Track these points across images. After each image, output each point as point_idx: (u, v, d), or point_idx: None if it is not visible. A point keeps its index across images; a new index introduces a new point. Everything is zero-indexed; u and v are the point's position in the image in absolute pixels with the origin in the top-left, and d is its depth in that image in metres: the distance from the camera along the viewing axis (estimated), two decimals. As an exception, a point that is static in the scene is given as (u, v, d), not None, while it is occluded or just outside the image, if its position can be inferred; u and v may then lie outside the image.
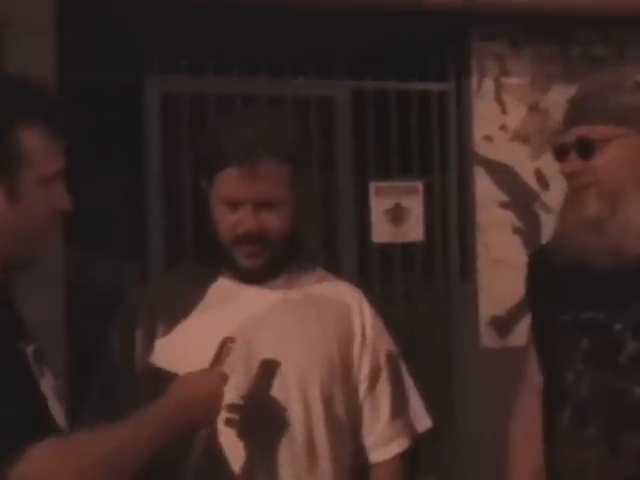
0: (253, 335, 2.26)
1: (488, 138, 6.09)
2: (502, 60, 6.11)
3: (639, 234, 2.13)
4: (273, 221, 2.26)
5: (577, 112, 2.22)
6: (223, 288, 2.34)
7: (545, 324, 2.32)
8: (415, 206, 6.02)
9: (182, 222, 5.45)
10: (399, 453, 2.40)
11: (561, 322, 2.23)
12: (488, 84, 6.10)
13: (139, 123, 5.54)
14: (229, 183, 2.24)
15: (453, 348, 6.08)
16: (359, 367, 2.36)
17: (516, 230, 6.12)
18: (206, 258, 2.43)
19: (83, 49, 4.90)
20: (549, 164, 6.12)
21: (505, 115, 6.14)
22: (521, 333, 5.91)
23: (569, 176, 2.21)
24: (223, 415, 2.16)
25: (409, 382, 2.47)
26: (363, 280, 5.10)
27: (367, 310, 2.41)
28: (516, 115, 6.15)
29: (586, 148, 2.17)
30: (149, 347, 2.30)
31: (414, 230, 6.03)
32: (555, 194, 6.10)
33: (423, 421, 2.48)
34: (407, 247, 6.03)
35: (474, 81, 6.09)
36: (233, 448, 2.22)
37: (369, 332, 2.38)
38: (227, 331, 2.23)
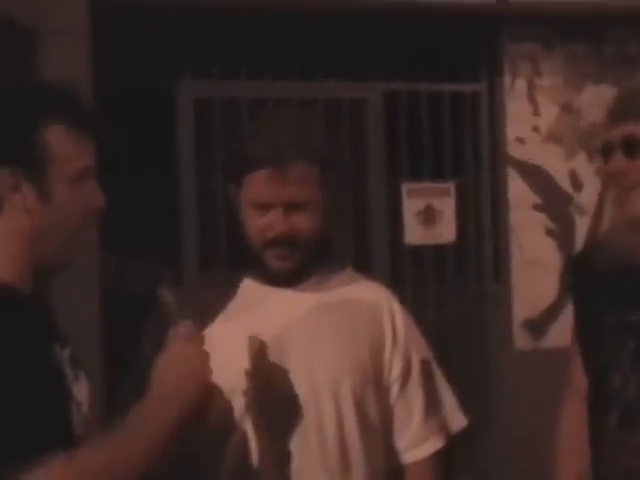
0: (284, 340, 2.24)
1: (520, 140, 6.07)
2: (534, 60, 6.09)
3: None
4: (303, 223, 2.24)
5: (622, 110, 2.18)
6: (251, 291, 2.33)
7: (590, 327, 2.30)
8: (447, 207, 6.01)
9: (215, 226, 5.47)
10: (433, 453, 2.38)
11: (607, 324, 2.22)
12: (520, 85, 6.08)
13: (172, 128, 5.57)
14: (258, 186, 2.22)
15: (486, 350, 6.06)
16: (390, 369, 2.34)
17: (549, 232, 6.08)
18: (236, 261, 2.42)
19: (118, 56, 4.93)
20: (583, 165, 6.13)
21: (538, 116, 6.11)
22: (555, 335, 5.92)
23: (615, 175, 2.19)
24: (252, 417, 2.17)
25: (442, 381, 2.46)
26: (395, 282, 5.09)
27: (398, 311, 2.40)
28: (549, 116, 6.12)
29: (632, 147, 2.14)
30: None
31: (446, 231, 6.01)
32: (589, 196, 6.11)
33: (458, 420, 2.45)
34: (439, 249, 6.02)
35: (506, 82, 6.07)
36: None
37: (400, 332, 2.36)
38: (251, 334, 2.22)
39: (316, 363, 2.25)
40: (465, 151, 6.12)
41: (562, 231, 6.09)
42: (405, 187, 5.96)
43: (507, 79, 6.07)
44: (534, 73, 6.10)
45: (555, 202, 6.11)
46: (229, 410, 2.20)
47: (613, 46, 6.18)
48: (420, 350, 2.42)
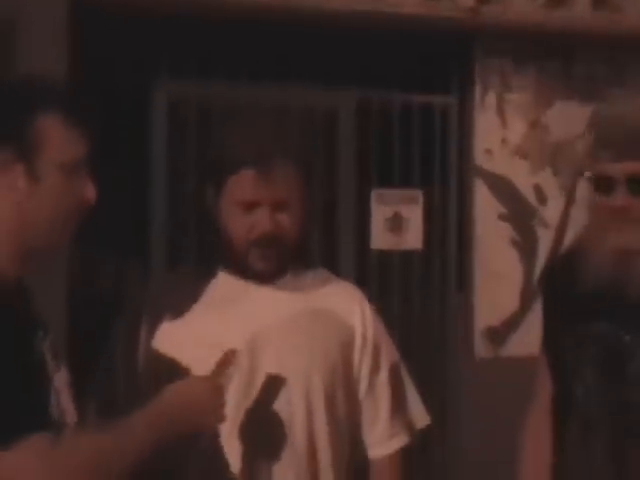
0: (260, 337, 2.26)
1: (489, 151, 6.10)
2: (505, 76, 6.12)
3: None
4: (287, 222, 2.27)
5: (626, 147, 2.15)
6: (229, 285, 2.34)
7: (557, 337, 2.31)
8: (415, 215, 6.03)
9: (184, 224, 5.46)
10: (399, 449, 2.42)
11: (573, 335, 2.23)
12: (490, 98, 6.11)
13: (147, 127, 5.57)
14: (245, 186, 2.23)
15: (447, 357, 6.08)
16: (359, 367, 2.37)
17: (514, 243, 6.12)
18: (208, 259, 2.43)
19: (96, 54, 4.91)
20: (548, 180, 6.18)
21: (506, 129, 6.14)
22: (515, 344, 5.96)
23: (617, 210, 2.17)
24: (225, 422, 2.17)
25: (408, 380, 2.48)
26: (360, 286, 5.08)
27: (368, 312, 2.43)
28: (517, 130, 6.16)
29: (638, 184, 2.14)
30: (152, 339, 2.31)
31: (413, 238, 6.03)
32: (553, 210, 6.15)
33: (422, 418, 2.48)
34: (405, 255, 6.04)
35: (477, 95, 6.10)
36: (233, 452, 2.23)
37: (370, 333, 2.39)
38: (230, 331, 2.25)
39: (289, 360, 2.27)
40: (434, 160, 6.13)
41: (525, 243, 6.13)
42: (374, 193, 5.97)
43: (477, 92, 6.10)
44: (504, 88, 6.13)
45: (520, 214, 6.14)
46: None
47: (582, 66, 6.22)
48: (388, 350, 2.45)
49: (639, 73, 6.24)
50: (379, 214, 5.98)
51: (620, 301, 2.19)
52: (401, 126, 6.03)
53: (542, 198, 6.19)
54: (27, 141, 1.94)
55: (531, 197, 6.18)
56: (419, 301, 6.02)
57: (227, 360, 2.10)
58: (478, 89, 6.10)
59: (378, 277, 5.74)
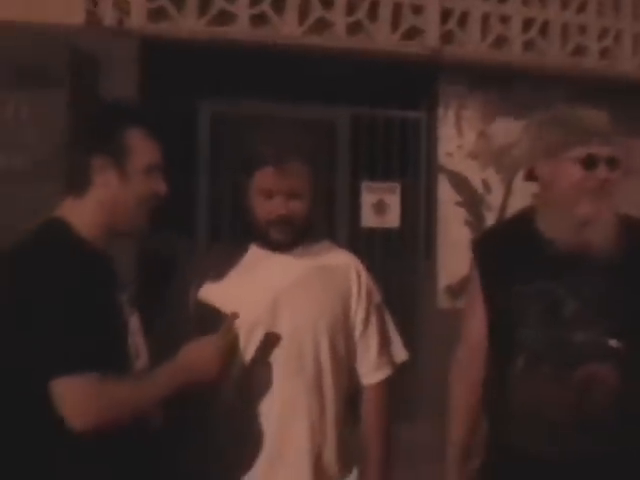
0: (279, 293, 2.24)
1: (449, 154, 6.09)
2: (461, 98, 6.11)
3: (610, 231, 2.13)
4: (298, 208, 2.24)
5: (608, 135, 2.15)
6: (256, 254, 2.32)
7: (498, 293, 2.22)
8: (394, 201, 6.00)
9: (223, 209, 5.43)
10: (384, 378, 2.39)
11: (514, 291, 2.17)
12: (450, 115, 6.09)
13: (195, 136, 5.57)
14: (266, 179, 2.22)
15: (417, 308, 6.07)
16: (355, 316, 2.34)
17: (467, 222, 6.10)
18: (242, 234, 2.39)
19: (157, 82, 4.89)
20: (492, 175, 6.17)
21: (461, 138, 6.12)
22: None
23: (598, 183, 2.13)
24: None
25: (391, 324, 2.45)
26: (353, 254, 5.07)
27: (362, 270, 2.39)
28: (469, 138, 6.14)
29: (614, 164, 2.13)
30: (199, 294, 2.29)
31: (392, 219, 6.01)
32: (495, 197, 6.14)
33: (402, 354, 2.45)
34: (386, 231, 6.01)
35: (440, 112, 6.08)
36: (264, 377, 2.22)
37: (363, 287, 2.36)
38: (255, 289, 2.24)
39: (300, 310, 2.25)
40: (408, 161, 6.10)
41: (476, 222, 6.11)
42: (363, 185, 5.96)
43: (441, 110, 6.08)
44: (460, 107, 6.11)
45: (471, 201, 6.13)
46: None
47: (517, 92, 6.19)
48: (376, 298, 2.41)
49: (559, 98, 6.22)
50: (367, 201, 5.97)
51: (550, 264, 2.15)
52: (384, 135, 5.99)
53: (488, 188, 6.18)
54: (119, 150, 1.93)
55: (480, 188, 6.16)
56: (396, 266, 5.98)
57: (231, 323, 2.07)
58: (441, 108, 6.08)
59: (366, 247, 5.70)
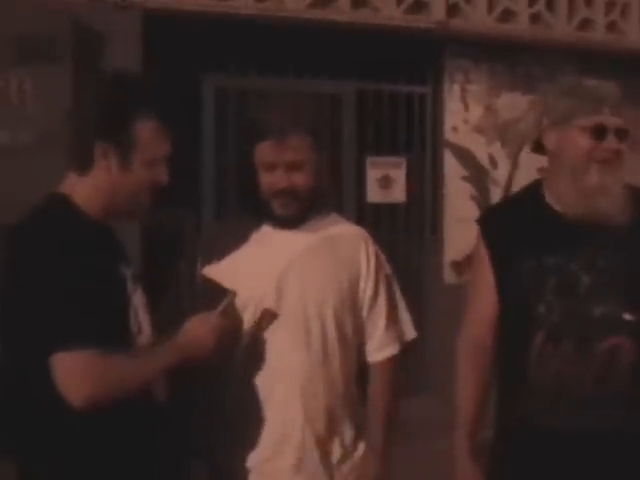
0: (286, 271, 2.22)
1: (455, 129, 6.05)
2: (466, 72, 6.07)
3: (620, 203, 2.10)
4: (300, 179, 2.20)
5: (618, 106, 2.12)
6: (265, 232, 2.29)
7: (509, 268, 2.18)
8: (400, 176, 5.95)
9: (228, 183, 5.40)
10: (392, 356, 2.36)
11: (526, 266, 2.14)
12: (456, 89, 6.05)
13: (199, 109, 5.51)
14: (266, 152, 2.19)
15: (424, 283, 6.05)
16: (364, 293, 2.31)
17: (473, 197, 6.08)
18: (248, 209, 2.36)
19: (161, 55, 4.85)
20: (498, 150, 6.14)
21: (467, 112, 6.09)
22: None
23: (607, 153, 2.10)
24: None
25: (401, 301, 2.41)
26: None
27: (370, 243, 2.36)
28: (475, 113, 6.11)
29: (623, 135, 2.10)
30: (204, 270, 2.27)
31: (398, 194, 5.97)
32: (502, 172, 6.12)
33: (410, 332, 2.42)
34: (392, 206, 5.98)
35: (446, 86, 6.03)
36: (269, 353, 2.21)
37: (372, 261, 2.32)
38: (265, 264, 2.21)
39: (308, 288, 2.22)
40: (414, 135, 6.06)
41: (481, 197, 6.09)
42: (369, 160, 5.90)
43: (446, 84, 6.04)
44: (466, 81, 6.08)
45: (477, 176, 6.10)
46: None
47: (522, 66, 6.16)
48: (386, 270, 2.38)
49: (566, 72, 6.17)
50: (373, 176, 5.92)
51: (562, 239, 2.12)
52: (389, 109, 5.94)
53: (494, 163, 6.15)
54: (126, 141, 1.89)
55: (486, 163, 6.13)
56: (402, 241, 5.96)
57: (231, 300, 2.05)
58: (447, 82, 6.04)
59: (372, 222, 5.67)
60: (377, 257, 2.35)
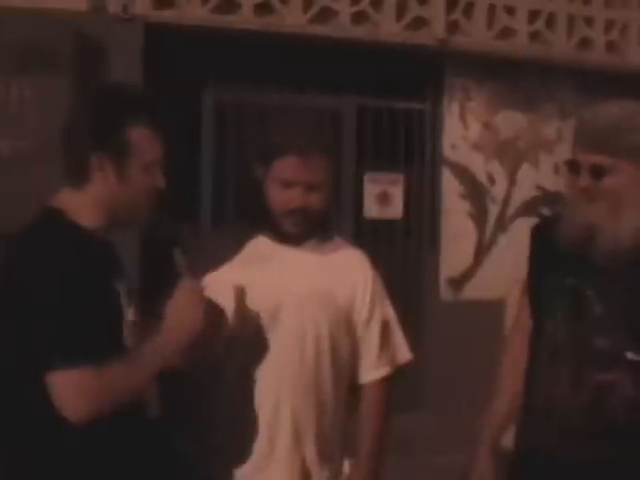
0: (283, 286, 2.21)
1: (453, 146, 6.06)
2: (466, 90, 6.07)
3: (630, 235, 2.08)
4: (316, 200, 2.20)
5: (593, 142, 2.09)
6: (264, 245, 2.28)
7: (537, 284, 2.24)
8: (397, 192, 5.96)
9: (226, 195, 5.40)
10: (384, 377, 2.35)
11: (549, 284, 2.17)
12: (455, 106, 6.06)
13: (198, 121, 5.51)
14: (286, 168, 2.17)
15: (420, 300, 6.04)
16: (358, 317, 2.31)
17: (470, 215, 6.08)
18: (250, 222, 2.34)
19: (162, 67, 4.87)
20: (496, 168, 6.14)
21: (466, 130, 6.09)
22: (470, 290, 5.96)
23: (580, 189, 2.11)
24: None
25: (396, 326, 2.41)
26: (356, 245, 5.05)
27: (369, 271, 2.35)
28: (474, 130, 6.11)
29: (597, 173, 2.08)
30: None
31: (395, 210, 5.97)
32: (500, 190, 6.12)
33: (404, 355, 2.42)
34: (389, 222, 5.98)
35: (445, 104, 6.04)
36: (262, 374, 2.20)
37: (369, 289, 2.32)
38: (264, 279, 2.19)
39: (305, 307, 2.22)
40: (413, 152, 6.07)
41: (479, 215, 6.10)
42: (367, 176, 5.91)
43: (445, 102, 6.05)
44: (465, 98, 6.08)
45: (475, 193, 6.10)
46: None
47: (521, 84, 6.17)
48: (382, 299, 2.38)
49: (566, 90, 6.20)
50: (370, 191, 5.92)
51: (585, 263, 2.13)
52: (389, 126, 5.95)
53: (492, 181, 6.15)
54: (120, 150, 1.89)
55: (484, 180, 6.13)
56: (399, 257, 5.96)
57: (179, 254, 2.00)
58: (446, 99, 6.05)
59: (369, 238, 5.67)
60: (374, 281, 2.35)
